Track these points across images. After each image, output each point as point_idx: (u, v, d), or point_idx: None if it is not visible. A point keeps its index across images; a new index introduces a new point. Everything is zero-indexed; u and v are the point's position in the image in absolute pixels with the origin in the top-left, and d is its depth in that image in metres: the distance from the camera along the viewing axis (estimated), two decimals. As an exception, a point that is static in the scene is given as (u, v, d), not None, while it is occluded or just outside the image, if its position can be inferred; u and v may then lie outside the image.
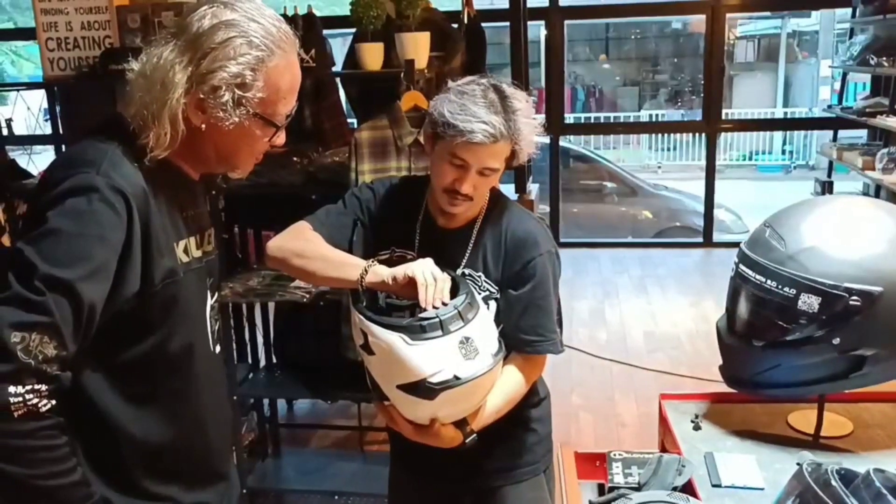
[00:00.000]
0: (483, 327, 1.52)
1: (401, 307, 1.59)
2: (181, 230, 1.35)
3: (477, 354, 1.47)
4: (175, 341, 1.33)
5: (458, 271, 1.71)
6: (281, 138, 1.36)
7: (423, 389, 1.47)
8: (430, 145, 1.70)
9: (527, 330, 1.70)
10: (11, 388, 1.09)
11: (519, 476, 1.82)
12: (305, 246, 1.69)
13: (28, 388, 1.10)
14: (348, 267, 1.63)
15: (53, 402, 1.13)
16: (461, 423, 1.58)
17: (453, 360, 1.45)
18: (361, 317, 1.51)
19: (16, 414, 1.09)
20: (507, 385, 1.67)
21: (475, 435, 1.60)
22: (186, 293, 1.34)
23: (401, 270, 1.55)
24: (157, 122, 1.24)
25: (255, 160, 1.38)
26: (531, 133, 1.66)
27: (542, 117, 1.56)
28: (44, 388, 1.11)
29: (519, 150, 1.66)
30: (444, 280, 1.53)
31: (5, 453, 1.11)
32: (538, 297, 1.70)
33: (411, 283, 1.52)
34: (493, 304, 1.72)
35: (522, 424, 1.81)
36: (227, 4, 1.27)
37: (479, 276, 1.72)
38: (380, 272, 1.59)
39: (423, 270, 1.53)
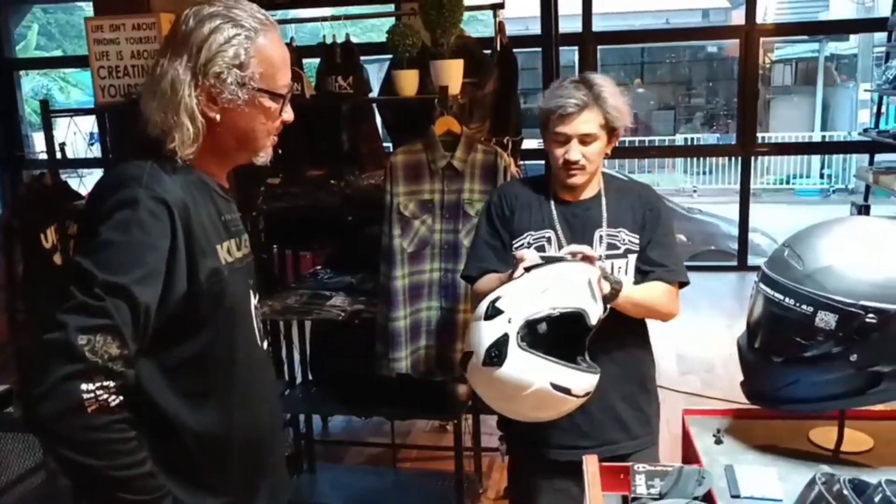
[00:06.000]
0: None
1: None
2: (221, 233, 1.45)
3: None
4: (225, 337, 1.43)
5: (597, 233, 2.07)
6: (289, 113, 1.48)
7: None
8: (545, 142, 2.07)
9: (658, 263, 2.08)
10: (83, 386, 1.18)
11: (646, 444, 2.16)
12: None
13: (98, 384, 1.19)
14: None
15: (121, 398, 1.23)
16: (608, 277, 1.92)
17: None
18: None
19: (89, 409, 1.19)
20: (653, 289, 2.07)
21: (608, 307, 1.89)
22: (233, 291, 1.44)
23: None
24: (177, 122, 1.36)
25: (271, 140, 1.49)
26: (618, 101, 2.00)
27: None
28: (112, 384, 1.21)
29: (611, 117, 1.99)
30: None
31: (84, 447, 1.21)
32: (661, 235, 2.10)
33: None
34: (632, 257, 2.07)
35: (647, 392, 2.20)
36: (206, 3, 1.39)
37: (620, 231, 2.07)
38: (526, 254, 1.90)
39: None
